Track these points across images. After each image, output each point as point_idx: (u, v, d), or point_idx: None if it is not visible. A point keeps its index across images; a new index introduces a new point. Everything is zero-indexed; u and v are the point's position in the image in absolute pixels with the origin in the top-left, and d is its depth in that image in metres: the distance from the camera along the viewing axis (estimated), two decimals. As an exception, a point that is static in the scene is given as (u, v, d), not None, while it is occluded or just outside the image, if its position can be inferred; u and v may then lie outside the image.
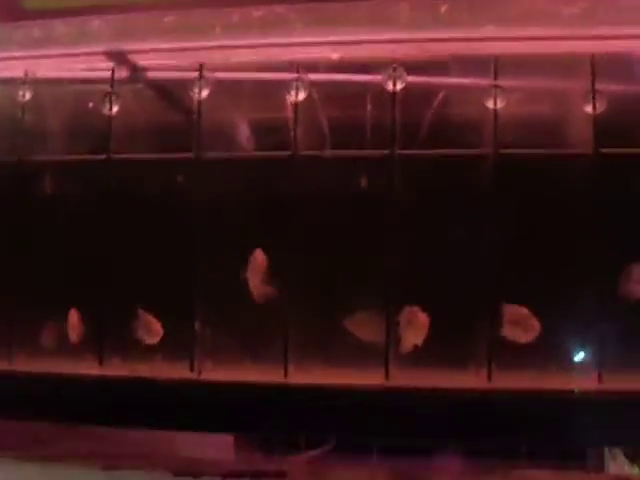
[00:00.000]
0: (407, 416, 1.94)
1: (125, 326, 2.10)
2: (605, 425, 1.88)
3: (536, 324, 1.95)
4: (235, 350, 2.08)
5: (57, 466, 2.16)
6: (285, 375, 2.00)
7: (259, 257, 2.05)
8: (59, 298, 2.14)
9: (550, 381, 1.91)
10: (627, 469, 2.13)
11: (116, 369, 2.10)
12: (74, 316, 2.11)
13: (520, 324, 1.98)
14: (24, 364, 2.16)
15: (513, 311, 1.95)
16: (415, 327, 1.96)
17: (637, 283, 1.93)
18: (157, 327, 2.08)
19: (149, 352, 2.11)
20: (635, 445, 2.00)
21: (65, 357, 2.14)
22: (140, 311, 2.10)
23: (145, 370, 2.06)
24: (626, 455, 2.19)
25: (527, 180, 1.98)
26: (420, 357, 1.98)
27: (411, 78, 2.04)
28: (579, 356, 1.97)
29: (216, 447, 2.37)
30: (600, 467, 2.12)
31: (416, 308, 1.95)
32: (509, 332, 1.94)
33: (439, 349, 1.97)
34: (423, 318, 1.95)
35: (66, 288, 2.16)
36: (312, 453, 2.27)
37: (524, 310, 1.96)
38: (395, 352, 1.97)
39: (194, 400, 2.04)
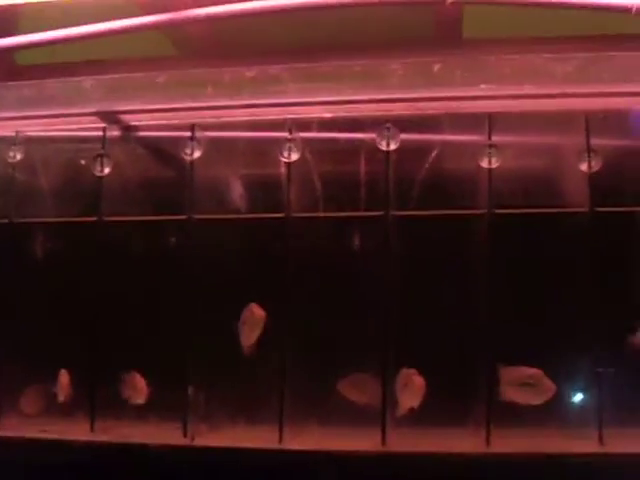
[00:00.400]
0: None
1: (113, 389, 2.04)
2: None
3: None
4: (229, 414, 2.03)
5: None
6: (280, 440, 1.92)
7: (256, 311, 2.04)
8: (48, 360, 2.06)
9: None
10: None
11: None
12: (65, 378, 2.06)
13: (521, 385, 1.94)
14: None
15: (511, 373, 1.91)
16: (411, 390, 1.93)
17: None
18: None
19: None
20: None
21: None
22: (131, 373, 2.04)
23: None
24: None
25: (523, 239, 1.94)
26: (417, 420, 1.94)
27: (404, 136, 1.98)
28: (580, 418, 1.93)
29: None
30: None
31: (412, 371, 1.91)
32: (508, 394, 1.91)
33: (436, 412, 1.93)
34: (419, 381, 1.91)
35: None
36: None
37: (524, 370, 1.91)
38: (392, 415, 1.91)
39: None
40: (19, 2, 2.54)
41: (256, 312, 2.04)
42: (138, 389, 2.07)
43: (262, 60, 2.22)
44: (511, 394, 1.94)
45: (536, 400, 1.95)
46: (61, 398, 2.10)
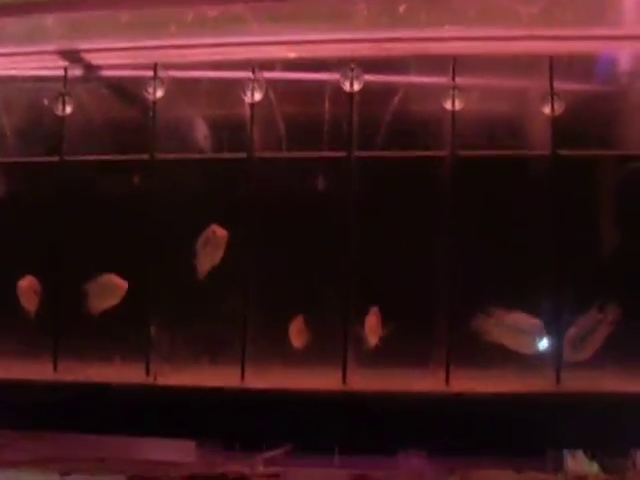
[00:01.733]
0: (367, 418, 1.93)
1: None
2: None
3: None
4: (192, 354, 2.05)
5: (15, 472, 2.12)
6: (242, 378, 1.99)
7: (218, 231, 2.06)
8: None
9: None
10: (586, 467, 2.13)
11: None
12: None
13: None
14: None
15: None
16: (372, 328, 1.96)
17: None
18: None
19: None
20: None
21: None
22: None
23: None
24: (585, 453, 2.20)
25: (485, 182, 1.96)
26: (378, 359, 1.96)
27: (369, 77, 1.98)
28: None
29: (177, 450, 2.35)
30: (559, 465, 2.11)
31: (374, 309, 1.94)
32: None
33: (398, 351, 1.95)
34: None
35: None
36: (270, 454, 2.25)
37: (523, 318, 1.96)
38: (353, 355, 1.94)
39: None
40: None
41: (218, 232, 2.06)
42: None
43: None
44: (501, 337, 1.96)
45: (526, 348, 1.98)
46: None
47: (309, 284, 2.09)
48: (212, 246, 2.05)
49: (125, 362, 2.11)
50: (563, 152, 1.99)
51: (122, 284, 2.05)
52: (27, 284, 2.13)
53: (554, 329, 1.98)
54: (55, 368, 2.12)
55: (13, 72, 2.19)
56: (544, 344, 1.99)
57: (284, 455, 2.30)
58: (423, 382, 2.00)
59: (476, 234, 2.00)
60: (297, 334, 2.03)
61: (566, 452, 2.25)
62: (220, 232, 2.06)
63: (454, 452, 2.03)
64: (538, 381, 1.97)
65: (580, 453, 2.24)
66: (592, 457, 2.18)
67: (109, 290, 2.05)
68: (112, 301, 2.06)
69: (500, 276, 2.00)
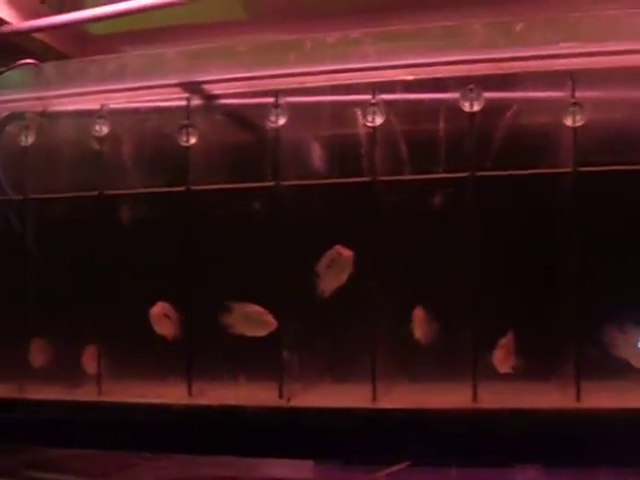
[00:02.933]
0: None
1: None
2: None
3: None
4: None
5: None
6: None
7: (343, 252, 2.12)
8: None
9: None
10: None
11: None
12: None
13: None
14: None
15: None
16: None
17: None
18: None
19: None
20: None
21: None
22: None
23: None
24: None
25: (608, 198, 1.97)
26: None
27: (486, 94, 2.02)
28: None
29: (296, 468, 2.41)
30: None
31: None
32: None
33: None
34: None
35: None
36: (392, 470, 2.30)
37: None
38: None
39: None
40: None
41: (343, 252, 2.12)
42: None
43: (335, 23, 2.25)
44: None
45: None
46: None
47: (436, 302, 2.11)
48: (337, 266, 2.09)
49: (256, 384, 2.16)
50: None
51: (270, 321, 2.10)
52: (159, 310, 2.20)
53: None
54: (190, 392, 2.17)
55: (137, 105, 2.25)
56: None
57: (404, 471, 2.34)
58: (551, 398, 2.01)
59: (603, 248, 2.00)
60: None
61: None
62: (345, 252, 2.09)
63: (572, 465, 2.04)
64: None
65: None
66: None
67: (254, 320, 2.11)
68: (259, 332, 2.11)
69: (627, 291, 2.01)
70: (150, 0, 2.56)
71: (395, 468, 2.40)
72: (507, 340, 2.03)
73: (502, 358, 2.04)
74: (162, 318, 2.20)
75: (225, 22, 2.73)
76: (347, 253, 2.11)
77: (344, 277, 2.11)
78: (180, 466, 2.42)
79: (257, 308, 2.14)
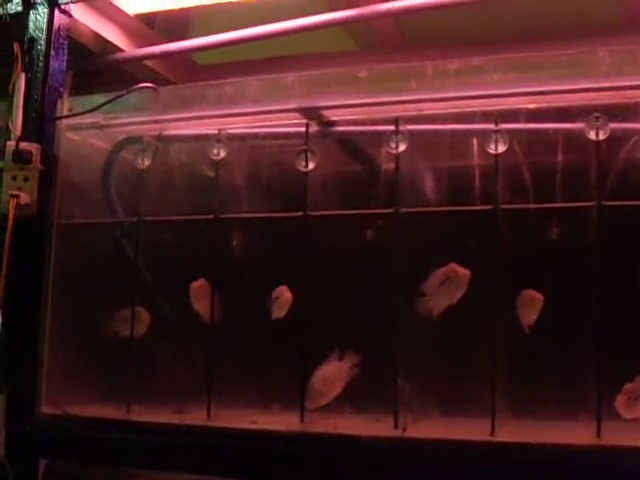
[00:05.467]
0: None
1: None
2: None
3: None
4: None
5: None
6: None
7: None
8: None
9: None
10: None
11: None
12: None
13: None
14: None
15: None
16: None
17: None
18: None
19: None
20: None
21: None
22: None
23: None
24: None
25: None
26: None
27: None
28: None
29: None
30: None
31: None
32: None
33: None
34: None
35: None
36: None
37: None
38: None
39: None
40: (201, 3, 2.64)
41: (459, 271, 2.10)
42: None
43: (441, 53, 2.24)
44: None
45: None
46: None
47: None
48: (453, 284, 2.06)
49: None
50: None
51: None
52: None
53: None
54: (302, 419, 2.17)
55: (256, 130, 2.27)
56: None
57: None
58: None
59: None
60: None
61: None
62: (462, 271, 2.08)
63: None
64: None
65: None
66: None
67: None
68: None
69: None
70: (255, 30, 2.59)
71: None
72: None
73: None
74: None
75: (334, 53, 2.74)
76: (463, 272, 2.10)
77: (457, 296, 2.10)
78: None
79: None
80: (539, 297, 2.04)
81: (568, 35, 2.49)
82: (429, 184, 2.22)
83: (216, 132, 2.28)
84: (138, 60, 2.70)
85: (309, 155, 2.18)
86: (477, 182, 2.14)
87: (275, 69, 2.73)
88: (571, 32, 2.50)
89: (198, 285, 2.31)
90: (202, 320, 2.30)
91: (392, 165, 2.15)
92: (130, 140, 2.42)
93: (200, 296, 2.30)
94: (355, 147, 2.31)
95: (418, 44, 2.67)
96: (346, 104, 2.17)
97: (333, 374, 2.18)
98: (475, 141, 2.14)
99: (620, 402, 1.98)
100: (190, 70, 2.95)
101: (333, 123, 2.22)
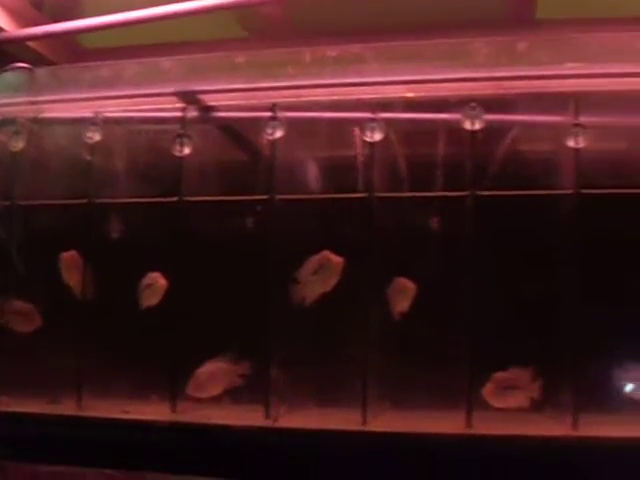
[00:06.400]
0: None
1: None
2: None
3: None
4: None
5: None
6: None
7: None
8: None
9: None
10: None
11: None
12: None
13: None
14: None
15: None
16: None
17: None
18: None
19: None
20: None
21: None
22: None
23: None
24: None
25: (610, 220, 1.93)
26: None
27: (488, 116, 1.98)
28: None
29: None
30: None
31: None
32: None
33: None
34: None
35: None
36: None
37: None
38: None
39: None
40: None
41: (333, 258, 2.07)
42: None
43: (331, 41, 2.22)
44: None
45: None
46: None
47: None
48: (326, 272, 2.04)
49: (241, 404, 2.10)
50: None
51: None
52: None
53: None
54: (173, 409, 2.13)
55: (131, 114, 2.21)
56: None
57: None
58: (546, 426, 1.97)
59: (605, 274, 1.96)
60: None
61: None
62: (335, 259, 2.06)
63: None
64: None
65: None
66: None
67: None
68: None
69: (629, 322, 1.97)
70: (141, 13, 2.51)
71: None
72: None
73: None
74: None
75: (222, 39, 2.70)
76: (337, 259, 2.07)
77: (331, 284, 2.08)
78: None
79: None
80: (411, 285, 2.04)
81: (454, 28, 2.49)
82: (307, 172, 2.19)
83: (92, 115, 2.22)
84: (20, 41, 2.61)
85: (185, 140, 2.14)
86: (354, 170, 2.12)
87: (162, 55, 2.68)
88: (458, 25, 2.50)
89: (69, 256, 2.25)
90: (74, 297, 2.25)
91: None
92: (4, 122, 2.34)
93: (71, 270, 2.25)
94: (236, 133, 2.28)
95: (307, 32, 2.64)
96: (223, 89, 2.13)
97: (218, 372, 2.14)
98: (353, 130, 2.12)
99: (488, 390, 1.99)
100: (76, 53, 2.87)
101: (211, 108, 2.18)
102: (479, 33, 2.29)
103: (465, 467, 1.92)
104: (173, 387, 2.12)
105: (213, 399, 2.13)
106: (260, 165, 2.16)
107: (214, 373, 2.12)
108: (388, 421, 2.04)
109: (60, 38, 2.71)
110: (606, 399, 1.97)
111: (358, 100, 2.07)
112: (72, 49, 2.88)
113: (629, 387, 1.99)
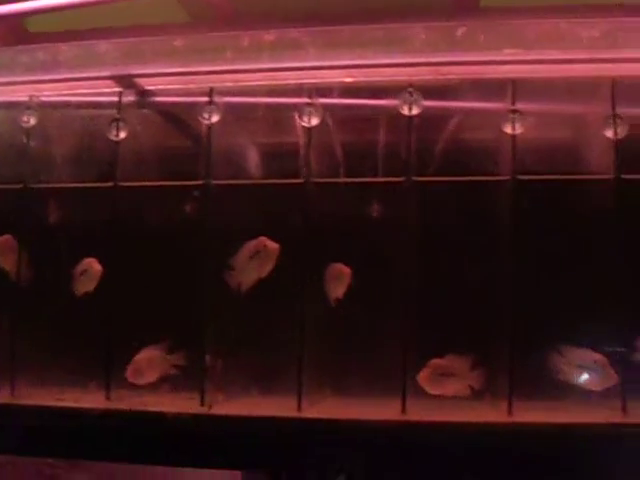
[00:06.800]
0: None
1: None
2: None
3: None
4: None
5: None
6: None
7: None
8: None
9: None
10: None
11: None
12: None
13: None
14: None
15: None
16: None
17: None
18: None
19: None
20: None
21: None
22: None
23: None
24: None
25: (546, 206, 1.92)
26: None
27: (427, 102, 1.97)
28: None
29: (224, 480, 2.32)
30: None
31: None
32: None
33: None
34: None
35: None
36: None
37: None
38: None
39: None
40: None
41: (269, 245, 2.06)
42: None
43: (277, 27, 2.19)
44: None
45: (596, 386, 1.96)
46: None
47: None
48: (262, 258, 2.02)
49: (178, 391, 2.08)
50: (627, 176, 1.94)
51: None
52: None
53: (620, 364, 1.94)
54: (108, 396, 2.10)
55: (67, 98, 2.17)
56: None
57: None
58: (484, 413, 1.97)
59: (538, 261, 1.96)
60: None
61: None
62: (271, 245, 2.05)
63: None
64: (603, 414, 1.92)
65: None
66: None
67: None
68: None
69: (564, 308, 1.96)
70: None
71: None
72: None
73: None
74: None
75: (166, 24, 2.66)
76: (273, 246, 2.06)
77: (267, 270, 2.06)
78: (100, 476, 2.31)
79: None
80: (347, 271, 2.02)
81: (398, 15, 2.47)
82: (244, 157, 2.18)
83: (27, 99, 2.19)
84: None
85: (121, 124, 2.12)
86: (292, 156, 2.10)
87: (106, 39, 2.65)
88: (402, 12, 2.48)
89: (4, 240, 2.21)
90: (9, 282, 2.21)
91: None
92: None
93: (6, 254, 2.21)
94: (175, 118, 2.25)
95: (250, 17, 2.61)
96: (160, 72, 2.10)
97: (155, 359, 2.11)
98: (291, 115, 2.10)
99: (423, 376, 1.98)
100: (21, 37, 2.82)
101: (149, 92, 2.15)
102: (423, 20, 2.28)
103: (400, 453, 1.92)
104: (108, 374, 2.09)
105: (150, 386, 2.11)
106: (198, 150, 2.14)
107: (151, 360, 2.10)
108: (325, 408, 2.03)
109: (4, 21, 2.66)
110: (541, 386, 1.97)
111: (296, 85, 2.06)
112: (18, 33, 2.83)
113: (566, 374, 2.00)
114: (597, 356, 1.94)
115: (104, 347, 2.11)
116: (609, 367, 1.93)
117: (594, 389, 1.95)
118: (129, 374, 2.09)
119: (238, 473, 2.38)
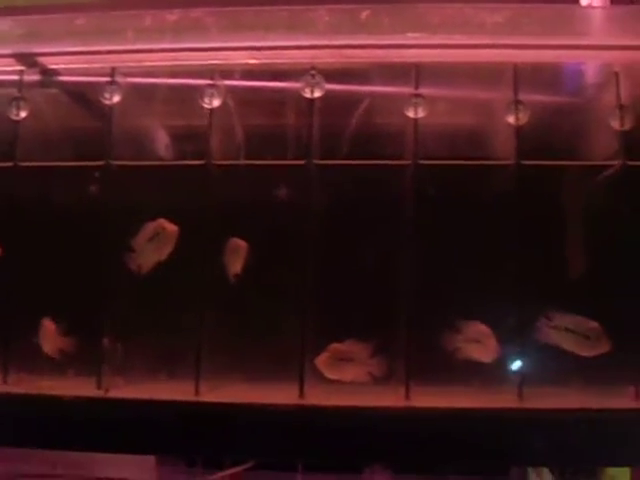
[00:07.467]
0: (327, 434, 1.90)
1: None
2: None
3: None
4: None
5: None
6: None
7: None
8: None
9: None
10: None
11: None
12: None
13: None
14: None
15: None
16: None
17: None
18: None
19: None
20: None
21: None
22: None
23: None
24: (551, 471, 2.17)
25: (447, 191, 1.92)
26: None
27: (330, 86, 1.94)
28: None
29: (137, 467, 2.31)
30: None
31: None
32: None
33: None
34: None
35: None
36: (232, 471, 2.22)
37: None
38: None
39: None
40: None
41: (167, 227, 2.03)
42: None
43: (184, 5, 2.16)
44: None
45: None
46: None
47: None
48: (161, 240, 2.00)
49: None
50: (527, 162, 1.94)
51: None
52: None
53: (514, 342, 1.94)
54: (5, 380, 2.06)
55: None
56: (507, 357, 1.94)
57: (246, 472, 2.27)
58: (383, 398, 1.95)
59: (439, 245, 1.96)
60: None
61: (531, 470, 2.22)
62: (170, 227, 2.03)
63: (419, 470, 1.99)
64: (502, 397, 1.92)
65: (546, 471, 2.21)
66: (560, 475, 2.16)
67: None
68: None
69: (463, 289, 1.96)
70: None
71: (236, 469, 2.33)
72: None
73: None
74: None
75: (69, 3, 2.61)
76: (172, 228, 2.03)
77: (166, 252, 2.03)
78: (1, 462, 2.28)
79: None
80: (243, 244, 2.01)
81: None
82: (146, 138, 2.15)
83: None
84: None
85: (22, 103, 2.08)
86: (194, 137, 2.08)
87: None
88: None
89: None
90: None
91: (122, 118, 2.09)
92: None
93: None
94: (79, 98, 2.22)
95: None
96: (62, 51, 2.07)
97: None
98: (193, 96, 2.08)
99: (321, 360, 1.97)
100: None
101: (51, 71, 2.12)
102: (328, 2, 2.26)
103: (297, 437, 1.91)
104: (5, 358, 2.06)
105: (49, 369, 2.08)
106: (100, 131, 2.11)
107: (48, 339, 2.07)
108: (223, 392, 2.02)
109: None
110: (441, 371, 1.97)
111: (200, 66, 2.04)
112: None
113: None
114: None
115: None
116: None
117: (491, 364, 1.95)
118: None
119: (151, 457, 2.37)
